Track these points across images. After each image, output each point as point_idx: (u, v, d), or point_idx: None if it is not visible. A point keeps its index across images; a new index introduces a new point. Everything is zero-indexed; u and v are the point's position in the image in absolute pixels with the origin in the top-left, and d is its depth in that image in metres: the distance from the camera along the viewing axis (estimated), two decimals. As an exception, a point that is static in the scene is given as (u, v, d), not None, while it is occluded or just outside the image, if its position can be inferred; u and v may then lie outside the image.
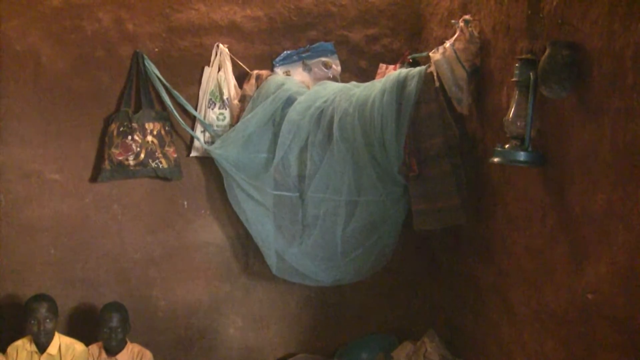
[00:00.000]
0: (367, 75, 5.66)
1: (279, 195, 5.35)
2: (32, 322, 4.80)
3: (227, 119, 5.53)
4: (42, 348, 4.89)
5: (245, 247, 5.71)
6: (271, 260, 5.47)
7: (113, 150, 5.34)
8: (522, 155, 3.58)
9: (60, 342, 4.94)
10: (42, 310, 4.81)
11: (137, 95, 5.53)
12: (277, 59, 5.64)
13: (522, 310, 4.18)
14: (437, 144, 4.64)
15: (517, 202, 4.14)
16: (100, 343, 5.09)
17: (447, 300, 5.58)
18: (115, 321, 4.95)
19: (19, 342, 4.97)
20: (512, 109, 3.62)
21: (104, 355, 5.05)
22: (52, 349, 4.90)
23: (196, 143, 5.58)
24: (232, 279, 5.82)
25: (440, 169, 4.66)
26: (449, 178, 4.64)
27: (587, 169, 3.32)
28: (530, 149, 3.56)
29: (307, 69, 5.64)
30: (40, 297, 4.90)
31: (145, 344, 5.18)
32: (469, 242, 4.97)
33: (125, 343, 5.08)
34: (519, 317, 4.24)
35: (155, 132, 5.41)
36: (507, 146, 3.66)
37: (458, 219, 4.68)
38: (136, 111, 5.49)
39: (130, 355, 5.07)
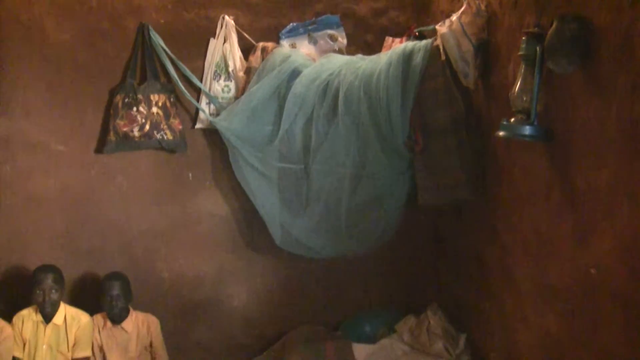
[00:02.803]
0: (373, 48, 5.64)
1: (284, 167, 5.35)
2: (38, 292, 4.81)
3: (233, 91, 5.52)
4: (47, 318, 4.91)
5: (250, 219, 5.71)
6: (275, 233, 5.48)
7: (118, 121, 5.33)
8: (527, 130, 3.56)
9: (65, 312, 4.96)
10: (48, 280, 4.82)
11: (143, 67, 5.52)
12: (283, 32, 5.62)
13: (526, 285, 4.18)
14: (442, 118, 4.63)
15: (522, 177, 4.13)
16: (104, 313, 5.11)
17: (451, 274, 5.59)
18: (116, 289, 4.97)
19: (24, 312, 4.99)
20: (518, 84, 3.60)
21: (108, 324, 5.08)
22: (58, 319, 4.92)
23: (201, 115, 5.57)
24: (236, 251, 5.83)
25: (445, 143, 4.65)
26: (455, 153, 4.63)
27: (592, 144, 3.30)
28: (535, 123, 3.55)
29: (313, 41, 5.61)
30: (46, 268, 4.91)
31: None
32: (473, 217, 4.97)
33: (129, 311, 5.10)
34: (522, 292, 4.25)
35: (160, 104, 5.40)
36: (512, 120, 3.64)
37: (463, 194, 4.68)
38: (141, 83, 5.48)
39: (135, 323, 5.10)
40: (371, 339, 5.67)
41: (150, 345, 5.15)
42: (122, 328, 5.06)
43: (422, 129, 4.70)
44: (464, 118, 4.64)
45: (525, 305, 4.21)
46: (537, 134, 3.58)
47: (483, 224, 4.79)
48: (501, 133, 3.67)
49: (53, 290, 4.83)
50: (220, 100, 5.52)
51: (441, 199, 4.83)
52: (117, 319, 5.05)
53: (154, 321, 5.16)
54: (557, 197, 3.69)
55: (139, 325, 5.11)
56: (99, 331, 5.06)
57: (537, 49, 3.46)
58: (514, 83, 3.68)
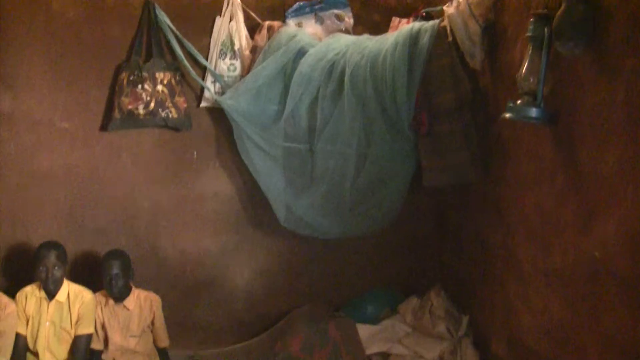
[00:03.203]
0: (379, 28, 5.59)
1: (289, 147, 5.34)
2: (41, 268, 4.81)
3: (238, 70, 5.50)
4: (50, 295, 4.92)
5: (254, 198, 5.70)
6: (279, 212, 5.48)
7: (123, 99, 5.32)
8: (534, 112, 3.55)
9: (69, 289, 4.96)
10: (51, 257, 4.82)
11: (148, 44, 5.50)
12: (290, 11, 5.59)
13: (529, 268, 4.18)
14: (448, 99, 4.61)
15: (527, 160, 4.11)
16: (105, 291, 5.11)
17: (454, 256, 5.59)
18: (115, 269, 4.95)
19: (28, 289, 5.00)
20: (525, 65, 3.58)
21: (110, 302, 5.08)
22: (61, 296, 4.92)
23: (206, 93, 5.56)
24: (240, 230, 5.83)
25: (451, 125, 4.64)
26: (460, 134, 4.62)
27: (598, 128, 3.29)
28: (542, 105, 3.53)
29: (320, 21, 5.59)
30: (49, 244, 4.91)
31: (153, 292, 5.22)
32: (477, 199, 4.96)
33: (130, 289, 5.10)
34: (525, 275, 4.25)
35: (165, 82, 5.39)
36: (519, 102, 3.62)
37: (468, 176, 4.67)
38: (147, 60, 5.46)
39: (137, 301, 5.09)
40: (373, 320, 5.68)
41: (152, 323, 5.16)
42: (124, 306, 5.06)
43: (427, 110, 4.69)
44: (470, 99, 4.62)
45: (529, 288, 4.20)
46: (543, 117, 3.57)
47: (487, 206, 4.79)
48: (507, 115, 3.66)
49: (56, 267, 4.82)
50: (225, 78, 5.50)
51: (446, 180, 4.82)
52: (117, 297, 5.04)
53: (155, 299, 5.15)
54: (562, 180, 3.68)
55: (141, 303, 5.10)
56: (101, 309, 5.07)
57: (545, 30, 3.44)
58: (520, 65, 3.66)
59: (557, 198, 3.72)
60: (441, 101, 4.65)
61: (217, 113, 5.54)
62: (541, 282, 4.01)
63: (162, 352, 5.20)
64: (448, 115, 4.62)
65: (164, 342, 5.22)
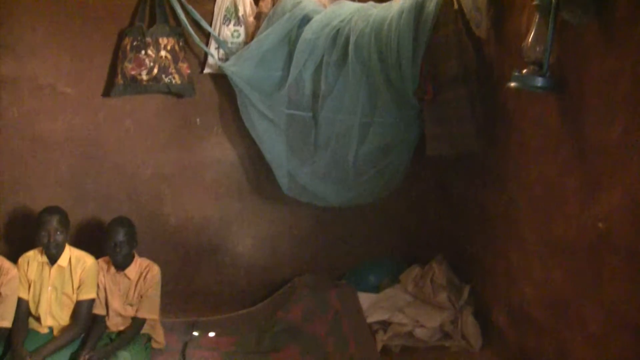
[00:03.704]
0: (385, -5, 5.57)
1: (292, 114, 5.33)
2: (43, 233, 4.81)
3: (242, 36, 5.47)
4: (52, 260, 4.92)
5: (257, 165, 5.70)
6: (282, 180, 5.47)
7: (126, 64, 5.30)
8: (539, 81, 3.52)
9: (70, 254, 4.96)
10: (53, 222, 4.81)
11: (152, 9, 5.47)
12: (295, -23, 5.55)
13: (532, 239, 4.18)
14: (453, 68, 4.58)
15: (532, 130, 4.10)
16: (108, 257, 5.11)
17: (457, 226, 5.59)
18: (120, 236, 4.94)
19: (30, 253, 5.00)
20: (532, 34, 3.54)
21: (112, 269, 5.08)
22: (63, 261, 4.92)
23: (210, 60, 5.53)
24: (242, 197, 5.84)
25: (455, 93, 4.61)
26: (464, 103, 4.59)
27: (604, 98, 3.27)
28: (548, 75, 3.51)
29: (325, -13, 5.55)
30: (51, 209, 4.90)
31: (155, 260, 5.17)
32: (481, 169, 4.95)
33: (133, 258, 5.10)
34: (528, 246, 4.25)
35: (169, 48, 5.36)
36: (524, 71, 3.59)
37: (471, 146, 4.65)
38: (150, 26, 5.43)
39: (138, 270, 5.08)
40: (375, 289, 5.70)
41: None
42: (125, 275, 5.04)
43: (432, 79, 4.67)
44: (475, 68, 4.60)
45: (531, 258, 4.21)
46: (549, 86, 3.54)
47: (490, 176, 4.78)
48: (512, 84, 3.63)
49: (58, 232, 4.82)
50: (229, 45, 5.47)
51: (449, 149, 4.81)
52: (120, 265, 5.04)
53: (153, 270, 5.12)
54: (566, 150, 3.66)
55: (142, 272, 5.10)
56: (103, 275, 5.07)
57: (552, -2, 3.41)
58: (526, 33, 3.62)
59: (562, 168, 3.71)
60: (446, 70, 4.62)
61: (221, 79, 5.52)
62: (543, 252, 4.01)
63: (136, 321, 5.06)
64: (452, 84, 4.59)
65: (146, 313, 5.05)
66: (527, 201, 4.21)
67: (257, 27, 5.37)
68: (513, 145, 4.36)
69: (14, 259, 5.00)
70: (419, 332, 5.16)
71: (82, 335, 4.94)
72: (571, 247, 3.66)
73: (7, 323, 4.79)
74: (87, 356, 4.61)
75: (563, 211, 3.72)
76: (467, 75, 4.59)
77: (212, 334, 5.55)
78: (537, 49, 3.51)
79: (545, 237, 3.96)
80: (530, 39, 3.55)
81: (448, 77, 4.60)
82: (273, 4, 5.33)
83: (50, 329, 4.95)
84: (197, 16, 5.44)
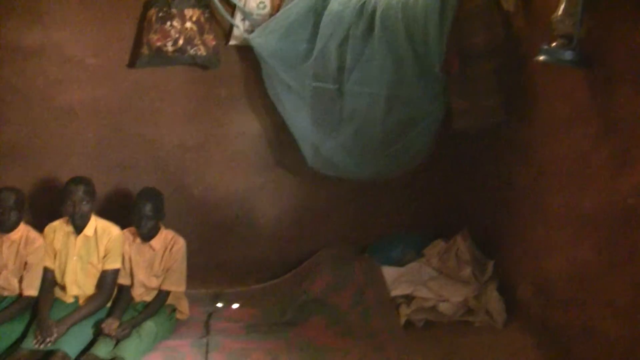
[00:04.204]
0: (412, -32, 5.51)
1: (318, 86, 5.30)
2: (69, 203, 4.83)
3: (268, 8, 5.42)
4: (78, 229, 4.95)
5: (281, 138, 5.68)
6: (307, 152, 5.47)
7: (151, 35, 5.28)
8: (569, 55, 3.49)
9: (96, 224, 4.99)
10: (79, 192, 4.83)
11: (178, -20, 5.45)
12: (322, -53, 5.50)
13: (559, 213, 4.16)
14: (480, 41, 4.56)
15: (560, 103, 4.07)
16: (134, 228, 5.13)
17: (482, 201, 5.57)
18: (147, 209, 4.96)
19: (56, 223, 5.03)
20: (562, 6, 3.51)
21: (138, 240, 5.10)
22: (89, 230, 4.95)
23: (235, 31, 5.50)
24: (266, 169, 5.83)
25: (482, 67, 4.59)
26: (491, 77, 4.57)
27: (635, 71, 3.24)
28: (578, 48, 3.47)
29: (352, -42, 5.50)
30: (77, 179, 4.92)
31: (179, 231, 5.20)
32: (508, 143, 4.92)
33: (159, 229, 5.12)
34: (554, 220, 4.23)
35: (194, 19, 5.33)
36: (553, 45, 3.56)
37: (498, 119, 4.64)
38: (176, -3, 5.41)
39: (164, 242, 5.10)
40: (399, 263, 5.69)
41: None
42: (150, 246, 5.07)
43: (459, 52, 4.64)
44: (502, 41, 4.56)
45: (557, 233, 4.19)
46: (578, 60, 3.51)
47: (517, 150, 4.75)
48: (541, 58, 3.61)
49: (84, 202, 4.84)
50: (255, 16, 5.43)
51: (476, 122, 4.79)
52: (146, 236, 5.06)
53: (178, 242, 5.14)
54: (596, 124, 3.64)
55: (167, 244, 5.12)
56: (128, 245, 5.09)
57: (584, -31, 3.37)
58: (556, 6, 3.58)
59: (591, 142, 3.69)
60: (473, 43, 4.60)
61: (246, 51, 5.49)
62: (571, 227, 3.99)
63: (161, 293, 5.12)
64: (480, 57, 4.57)
65: (172, 286, 5.12)
66: (554, 175, 4.19)
67: (283, -1, 5.35)
68: (540, 119, 4.34)
69: (40, 228, 5.03)
70: (442, 307, 5.16)
71: (107, 304, 4.99)
72: (600, 222, 3.64)
73: (34, 292, 4.84)
74: (114, 326, 4.65)
75: (592, 185, 3.70)
76: (494, 49, 4.56)
77: (236, 306, 5.58)
78: (567, 22, 3.48)
79: (573, 212, 3.94)
80: (560, 12, 3.52)
81: (475, 50, 4.57)
82: (299, -25, 5.30)
83: (76, 298, 5.00)
84: (223, -13, 5.42)
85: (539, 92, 4.32)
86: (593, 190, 3.68)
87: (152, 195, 5.03)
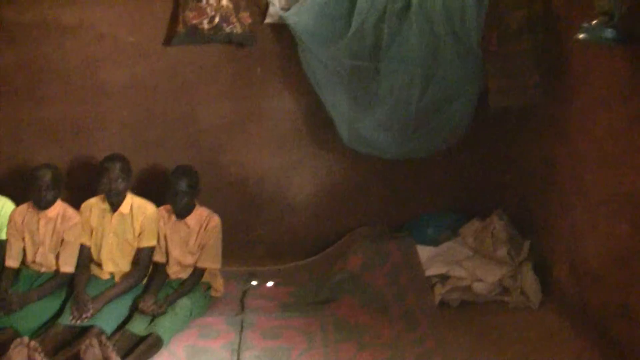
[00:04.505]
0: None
1: (354, 64, 5.25)
2: (105, 181, 4.86)
3: (304, -15, 5.41)
4: (114, 207, 4.98)
5: (317, 116, 5.65)
6: (343, 130, 5.44)
7: (187, 13, 5.28)
8: (609, 33, 3.44)
9: (132, 202, 5.02)
10: (115, 169, 4.86)
11: (214, -43, 5.43)
12: None
13: (598, 193, 4.12)
14: (519, 18, 4.51)
15: (600, 82, 4.02)
16: (169, 206, 5.15)
17: (518, 180, 5.53)
18: (182, 186, 4.96)
19: (92, 201, 5.07)
20: (603, -17, 3.46)
21: (173, 217, 5.12)
22: (124, 208, 4.98)
23: (271, 9, 5.47)
24: (302, 147, 5.82)
25: (520, 45, 4.54)
26: (529, 55, 4.53)
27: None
28: (618, 26, 3.41)
29: None
30: (113, 157, 4.95)
31: (214, 209, 5.21)
32: (545, 122, 4.87)
33: (194, 207, 5.14)
34: (593, 200, 4.19)
35: (230, -4, 5.34)
36: (594, 23, 3.51)
37: (536, 98, 4.59)
38: (212, -26, 5.40)
39: (199, 219, 5.12)
40: (434, 242, 5.67)
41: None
42: (185, 223, 5.09)
43: (497, 29, 4.59)
44: (541, 19, 4.50)
45: (596, 212, 4.15)
46: (619, 37, 3.46)
47: (555, 129, 4.70)
48: (581, 36, 3.56)
49: (120, 180, 4.87)
50: (291, -6, 5.42)
51: (513, 101, 4.75)
52: (181, 214, 5.08)
53: (214, 220, 5.15)
54: (636, 102, 3.58)
55: (202, 221, 5.13)
56: (163, 222, 5.12)
57: (626, -56, 3.31)
58: (597, -18, 3.53)
59: (631, 121, 3.64)
60: (511, 20, 4.55)
61: (282, 29, 5.45)
62: (610, 206, 3.95)
63: (197, 270, 5.13)
64: (518, 35, 4.52)
65: (207, 263, 5.13)
66: (593, 154, 4.15)
67: (320, -25, 5.31)
68: (579, 98, 4.29)
69: (76, 206, 5.08)
70: (477, 287, 5.13)
71: (143, 282, 5.03)
72: (639, 201, 3.59)
73: (70, 268, 4.91)
74: (149, 302, 4.68)
75: (632, 164, 3.66)
76: (532, 27, 4.51)
77: (270, 284, 5.60)
78: (608, -1, 3.43)
79: (612, 191, 3.90)
80: (601, -12, 3.46)
81: (514, 28, 4.53)
82: (337, -48, 5.26)
83: (112, 275, 5.05)
84: (260, -36, 5.41)
85: (578, 70, 4.27)
86: (633, 169, 3.64)
87: (187, 171, 5.04)
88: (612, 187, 3.92)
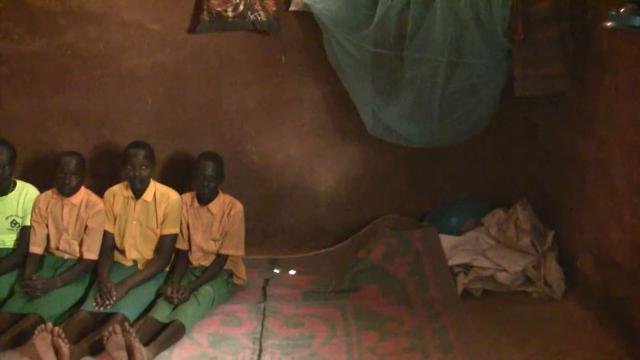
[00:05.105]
0: None
1: (378, 53, 5.23)
2: (129, 167, 4.87)
3: (329, -27, 5.39)
4: (137, 194, 5.00)
5: (340, 104, 5.63)
6: (367, 119, 5.43)
7: (212, 1, 5.27)
8: (638, 21, 3.40)
9: (155, 189, 5.03)
10: (139, 156, 4.87)
11: (237, -56, 5.43)
12: None
13: (623, 184, 4.09)
14: (545, 7, 4.49)
15: (627, 71, 3.99)
16: (193, 193, 5.17)
17: (542, 169, 5.51)
18: (209, 170, 4.98)
19: (115, 188, 5.10)
20: (631, -30, 3.42)
21: (196, 204, 5.13)
22: (147, 195, 5.00)
23: (296, -3, 5.48)
24: (325, 136, 5.80)
25: (546, 33, 4.52)
26: (556, 43, 4.50)
27: None
28: (647, 13, 3.38)
29: None
30: (138, 144, 4.97)
31: (237, 196, 5.22)
32: (571, 111, 4.84)
33: (217, 193, 5.15)
34: (618, 191, 4.16)
35: (255, -16, 5.33)
36: (622, 10, 3.47)
37: (562, 87, 4.57)
38: (235, -39, 5.40)
39: (221, 206, 5.13)
40: (457, 231, 5.66)
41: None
42: (208, 209, 5.11)
43: (523, 18, 4.55)
44: (567, 7, 4.47)
45: (620, 203, 4.12)
46: (648, 26, 3.42)
47: (580, 118, 4.67)
48: (609, 24, 3.52)
49: (144, 167, 4.88)
50: (315, -19, 5.40)
51: (538, 90, 4.72)
52: (205, 199, 5.10)
53: (236, 206, 5.16)
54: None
55: (225, 207, 5.14)
56: (186, 209, 5.13)
57: None
58: (625, -30, 3.50)
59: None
60: (537, 8, 4.53)
61: (306, 17, 5.43)
62: (634, 197, 3.92)
63: (220, 257, 5.15)
64: (544, 23, 4.50)
65: (230, 250, 5.14)
66: (619, 144, 4.11)
67: (345, -37, 5.28)
68: (606, 87, 4.25)
69: (99, 193, 5.10)
70: (500, 277, 5.12)
71: (166, 269, 5.04)
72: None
73: (94, 255, 4.94)
74: (173, 289, 4.70)
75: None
76: (559, 14, 4.47)
77: (292, 272, 5.60)
78: (637, -14, 3.39)
79: (637, 182, 3.87)
80: (629, -24, 3.43)
81: (540, 16, 4.50)
82: (362, -61, 5.23)
83: (135, 262, 5.08)
84: (284, -49, 5.39)
85: (605, 59, 4.24)
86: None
87: (213, 157, 5.08)
88: (636, 179, 3.88)
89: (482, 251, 5.31)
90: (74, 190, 4.93)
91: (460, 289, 5.10)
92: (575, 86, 4.56)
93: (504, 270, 5.11)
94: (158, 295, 4.85)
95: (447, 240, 5.48)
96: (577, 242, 4.92)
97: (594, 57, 4.38)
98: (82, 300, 4.75)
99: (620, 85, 4.06)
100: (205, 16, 5.32)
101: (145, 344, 4.24)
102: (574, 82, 4.55)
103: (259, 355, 4.36)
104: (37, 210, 4.98)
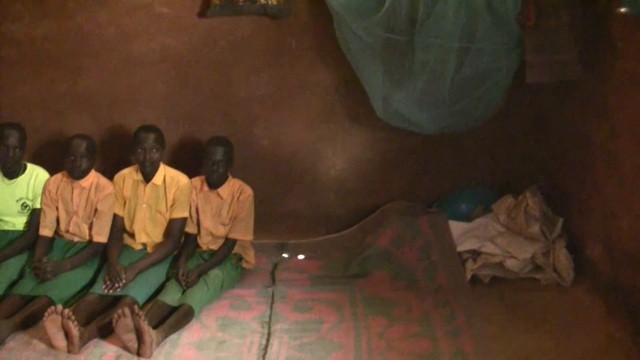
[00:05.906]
0: None
1: (389, 38, 5.19)
2: (139, 151, 4.88)
3: (340, -43, 5.37)
4: (147, 178, 5.01)
5: (350, 89, 5.62)
6: (377, 104, 5.40)
7: (222, -16, 5.28)
8: (651, 6, 3.39)
9: (165, 173, 5.04)
10: (150, 140, 4.88)
11: None
12: None
13: (633, 171, 4.08)
14: (558, -8, 4.45)
15: (638, 60, 3.95)
16: (202, 177, 5.18)
17: (552, 157, 5.49)
18: (219, 154, 5.00)
19: (125, 171, 5.11)
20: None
21: (205, 188, 5.14)
22: (157, 179, 5.01)
23: (306, -19, 5.47)
24: (335, 121, 5.80)
25: (558, 19, 4.49)
26: (567, 30, 4.48)
27: None
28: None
29: None
30: (148, 127, 4.97)
31: (247, 181, 5.23)
32: (583, 98, 4.82)
33: (227, 178, 5.16)
34: (628, 178, 4.15)
35: (265, -32, 5.32)
36: (635, -4, 3.46)
37: (573, 73, 4.54)
38: (246, -55, 5.38)
39: (231, 190, 5.14)
40: (466, 217, 5.65)
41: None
42: (218, 193, 5.12)
43: (535, 3, 4.53)
44: (580, -7, 4.45)
45: (631, 191, 4.11)
46: (662, 11, 3.41)
47: (591, 105, 4.66)
48: (622, 9, 3.52)
49: (154, 150, 4.89)
50: (326, -34, 5.38)
51: (550, 77, 4.70)
52: (214, 183, 5.11)
53: (246, 191, 5.18)
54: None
55: (234, 192, 5.15)
56: (196, 194, 5.14)
57: None
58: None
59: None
60: (550, -6, 4.50)
61: (317, 1, 5.40)
62: (645, 185, 3.91)
63: (228, 241, 5.17)
64: (556, 9, 4.47)
65: (239, 234, 5.17)
66: (630, 132, 4.10)
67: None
68: (618, 75, 4.23)
69: (109, 176, 5.11)
70: (509, 263, 5.12)
71: (175, 252, 5.06)
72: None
73: (103, 238, 4.96)
74: (181, 271, 4.72)
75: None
76: (571, 0, 4.44)
77: (301, 257, 5.62)
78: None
79: (648, 170, 3.86)
80: (643, -39, 3.41)
81: (552, 2, 4.46)
82: None
83: (144, 245, 5.10)
84: None
85: (617, 45, 4.21)
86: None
87: (223, 141, 5.09)
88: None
89: (492, 237, 5.30)
90: (84, 174, 4.94)
91: (469, 275, 5.10)
92: (588, 73, 4.54)
93: (513, 257, 5.11)
94: (167, 278, 4.87)
95: (456, 227, 5.47)
96: (586, 230, 4.91)
97: (606, 44, 4.36)
98: (91, 282, 4.78)
99: (633, 72, 4.04)
100: (215, 0, 5.31)
101: (154, 327, 4.26)
102: (586, 69, 4.52)
103: (268, 339, 4.37)
104: (47, 193, 5.00)
